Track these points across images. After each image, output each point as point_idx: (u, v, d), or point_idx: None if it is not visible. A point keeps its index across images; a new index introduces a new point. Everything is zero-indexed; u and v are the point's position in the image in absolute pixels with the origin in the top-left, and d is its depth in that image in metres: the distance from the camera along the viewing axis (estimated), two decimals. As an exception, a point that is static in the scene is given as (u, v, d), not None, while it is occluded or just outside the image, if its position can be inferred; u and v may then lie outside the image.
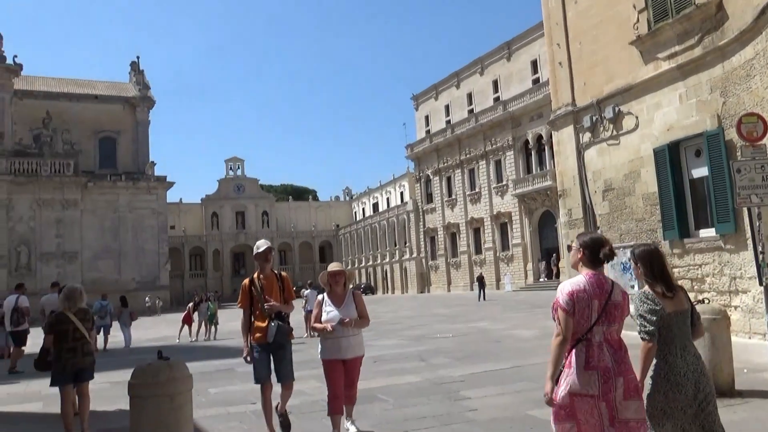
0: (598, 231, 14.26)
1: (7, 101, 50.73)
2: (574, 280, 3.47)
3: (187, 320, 21.06)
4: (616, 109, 13.32)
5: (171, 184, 58.43)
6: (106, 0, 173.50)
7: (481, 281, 37.27)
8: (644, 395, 3.48)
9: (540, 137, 45.40)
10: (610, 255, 3.53)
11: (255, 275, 6.37)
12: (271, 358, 6.26)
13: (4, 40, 51.29)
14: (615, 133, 13.50)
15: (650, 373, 3.68)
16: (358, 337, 6.19)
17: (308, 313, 18.77)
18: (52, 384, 7.13)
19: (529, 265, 46.37)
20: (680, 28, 11.59)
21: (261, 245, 6.36)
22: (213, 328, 20.85)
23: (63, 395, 7.12)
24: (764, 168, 7.35)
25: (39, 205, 49.76)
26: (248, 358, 6.43)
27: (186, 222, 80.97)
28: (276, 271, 6.44)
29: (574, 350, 3.33)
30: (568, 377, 3.31)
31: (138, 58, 65.94)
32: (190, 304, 22.08)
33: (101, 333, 18.07)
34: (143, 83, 62.59)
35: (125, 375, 10.52)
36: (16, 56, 51.14)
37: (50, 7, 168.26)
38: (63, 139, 52.34)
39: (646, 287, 3.83)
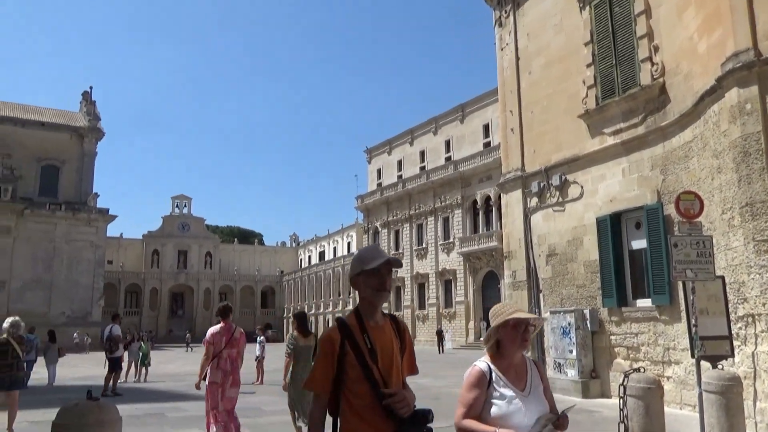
0: (540, 294, 14.56)
1: (-52, 120, 48.85)
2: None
3: (117, 360, 20.20)
4: (563, 177, 13.81)
5: (113, 217, 56.83)
6: (59, 28, 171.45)
7: (440, 335, 41.00)
8: None
9: (488, 198, 46.40)
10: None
11: (351, 319, 2.97)
12: None
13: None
14: (561, 200, 13.96)
15: None
16: None
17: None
18: None
19: (471, 323, 46.62)
20: (625, 106, 12.23)
21: (376, 256, 3.00)
22: (144, 369, 20.07)
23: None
24: (699, 244, 7.71)
25: (-30, 229, 47.50)
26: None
27: (125, 257, 78.55)
28: (389, 314, 3.20)
29: None
30: None
31: (90, 88, 64.72)
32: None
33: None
34: (94, 114, 61.34)
35: (48, 414, 10.03)
36: (-38, 75, 49.61)
37: (3, 31, 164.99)
38: (2, 163, 50.53)
39: None
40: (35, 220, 51.75)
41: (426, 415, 2.86)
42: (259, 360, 19.12)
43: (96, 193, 57.15)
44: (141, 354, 20.03)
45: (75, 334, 46.56)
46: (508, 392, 3.02)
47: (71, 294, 52.37)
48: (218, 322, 7.89)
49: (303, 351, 8.22)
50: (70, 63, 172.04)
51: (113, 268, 73.68)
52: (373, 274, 2.93)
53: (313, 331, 10.56)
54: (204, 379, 7.68)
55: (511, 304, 3.22)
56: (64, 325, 46.68)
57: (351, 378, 2.81)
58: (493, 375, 3.07)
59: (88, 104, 62.60)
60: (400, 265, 3.01)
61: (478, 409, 3.00)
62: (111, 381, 15.60)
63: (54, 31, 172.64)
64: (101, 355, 34.76)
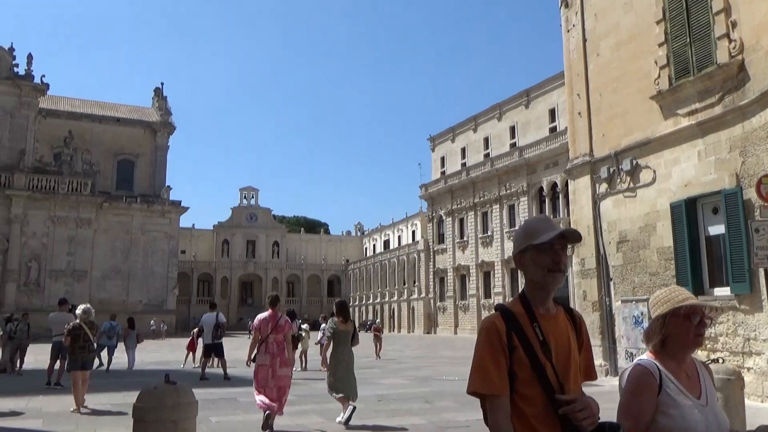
0: (611, 282, 14.19)
1: (32, 119, 51.59)
2: None
3: (191, 347, 20.95)
4: (634, 162, 13.36)
5: (185, 209, 58.78)
6: (132, 26, 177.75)
7: None
8: None
9: (555, 185, 45.46)
10: None
11: (516, 306, 2.39)
12: None
13: (33, 60, 52.35)
14: (632, 185, 13.51)
15: None
16: None
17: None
18: (68, 370, 11.04)
19: (538, 312, 45.94)
20: (701, 85, 11.69)
21: (547, 228, 2.40)
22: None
23: (74, 377, 10.39)
24: (783, 229, 7.31)
25: (53, 222, 50.13)
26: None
27: (197, 248, 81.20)
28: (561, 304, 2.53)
29: None
30: None
31: (162, 84, 67.36)
32: (195, 330, 21.99)
33: (105, 353, 18.05)
34: (165, 109, 63.58)
35: (127, 397, 10.55)
36: (43, 76, 52.20)
37: (78, 30, 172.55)
38: (83, 158, 53.02)
39: None
40: (113, 212, 54.15)
41: (616, 430, 2.18)
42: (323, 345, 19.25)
43: (169, 186, 59.26)
44: (213, 341, 20.63)
45: (152, 321, 48.55)
46: (684, 401, 2.37)
47: (147, 283, 54.62)
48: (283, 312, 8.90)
49: (342, 335, 9.07)
50: (141, 60, 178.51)
51: (186, 258, 76.28)
52: (544, 251, 2.32)
53: (378, 320, 11.31)
54: (253, 360, 8.54)
55: (680, 290, 2.52)
56: (142, 312, 48.70)
57: (519, 379, 2.22)
58: (663, 377, 2.40)
59: (159, 99, 64.93)
60: (579, 239, 2.43)
61: (649, 420, 2.35)
62: (221, 366, 16.29)
63: (127, 29, 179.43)
64: (177, 341, 36.17)
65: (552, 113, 49.00)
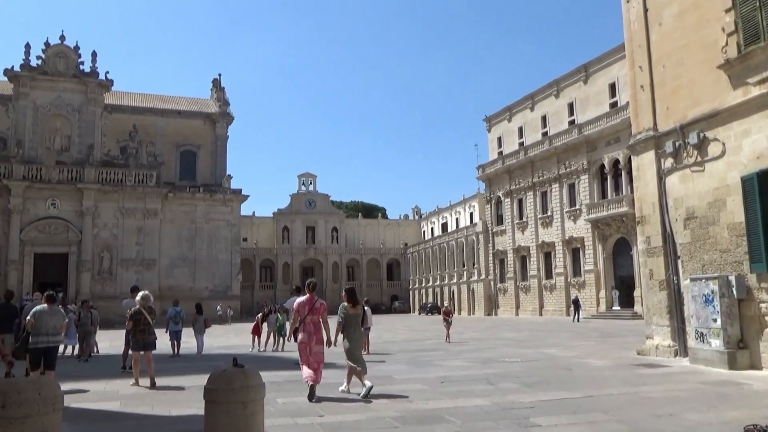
0: (678, 260, 13.75)
1: (98, 115, 53.69)
2: None
3: (256, 331, 21.52)
4: (701, 134, 12.86)
5: (245, 197, 60.11)
6: (189, 19, 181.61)
7: (576, 304, 41.23)
8: None
9: (616, 162, 44.25)
10: None
11: None
12: None
13: (97, 57, 54.35)
14: (699, 159, 13.01)
15: None
16: None
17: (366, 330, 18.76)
18: (131, 350, 12.25)
19: (602, 293, 45.00)
20: (773, 51, 11.11)
21: None
22: (281, 339, 21.18)
23: (135, 357, 11.92)
24: None
25: (122, 213, 52.20)
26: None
27: (258, 235, 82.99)
28: None
29: None
30: None
31: (219, 75, 68.87)
32: (259, 315, 22.57)
33: (174, 338, 18.67)
34: (223, 100, 64.99)
35: (198, 380, 10.93)
36: (107, 72, 54.17)
37: (138, 26, 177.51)
38: (147, 151, 54.96)
39: None
40: (178, 202, 55.95)
41: None
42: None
43: (229, 175, 60.69)
44: (278, 324, 21.14)
45: (218, 307, 50.07)
46: None
47: (212, 270, 56.30)
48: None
49: (353, 318, 10.35)
50: (199, 51, 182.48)
51: (248, 245, 78.10)
52: None
53: (447, 302, 12.45)
54: (296, 338, 10.04)
55: None
56: (208, 298, 50.31)
57: None
58: None
59: (217, 90, 66.42)
60: None
61: None
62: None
63: (183, 22, 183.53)
64: (242, 326, 37.15)
65: (612, 88, 47.61)
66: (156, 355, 12.54)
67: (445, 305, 30.46)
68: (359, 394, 9.56)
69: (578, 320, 38.93)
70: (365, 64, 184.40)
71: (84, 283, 49.40)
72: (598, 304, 44.85)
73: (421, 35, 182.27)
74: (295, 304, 10.13)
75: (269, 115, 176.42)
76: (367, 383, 9.69)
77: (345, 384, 10.23)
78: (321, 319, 9.98)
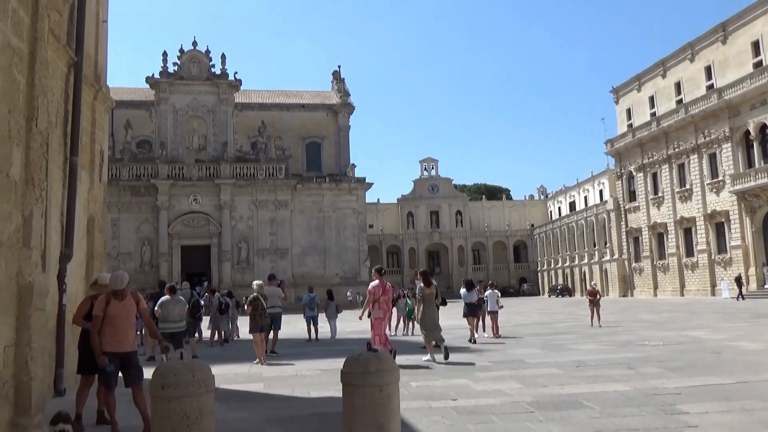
0: None
1: (230, 113, 56.94)
2: None
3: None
4: None
5: (370, 185, 61.32)
6: (307, 12, 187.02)
7: (739, 281, 38.16)
8: None
9: (764, 127, 40.50)
10: None
11: None
12: None
13: (226, 60, 57.48)
14: None
15: None
16: None
17: (494, 314, 18.48)
18: (250, 332, 13.50)
19: (752, 270, 41.56)
20: None
21: None
22: (411, 323, 21.43)
23: (255, 338, 13.34)
24: None
25: (256, 205, 55.17)
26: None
27: (383, 221, 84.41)
28: None
29: None
30: None
31: (339, 67, 70.48)
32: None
33: (311, 324, 19.42)
34: (344, 90, 66.57)
35: (333, 363, 11.39)
36: (236, 73, 57.20)
37: (258, 24, 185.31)
38: (275, 145, 57.65)
39: None
40: (306, 193, 58.24)
41: None
42: (492, 313, 18.61)
43: (353, 164, 62.18)
44: (408, 309, 21.39)
45: (348, 293, 51.67)
46: None
47: (341, 257, 58.15)
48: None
49: (428, 297, 12.76)
50: (318, 44, 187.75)
51: (374, 231, 79.72)
52: None
53: (595, 282, 13.51)
54: (369, 316, 12.23)
55: None
56: (338, 285, 52.04)
57: None
58: None
59: (338, 82, 68.17)
60: None
61: None
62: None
63: (302, 16, 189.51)
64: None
65: (756, 46, 43.56)
66: (293, 340, 13.29)
67: (592, 284, 27.83)
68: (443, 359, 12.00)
69: (742, 299, 36.71)
70: (483, 45, 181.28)
71: (225, 272, 52.80)
72: (747, 283, 41.51)
73: (539, 9, 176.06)
74: (371, 287, 12.26)
75: (389, 102, 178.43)
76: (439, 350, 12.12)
77: (429, 354, 12.20)
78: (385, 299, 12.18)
